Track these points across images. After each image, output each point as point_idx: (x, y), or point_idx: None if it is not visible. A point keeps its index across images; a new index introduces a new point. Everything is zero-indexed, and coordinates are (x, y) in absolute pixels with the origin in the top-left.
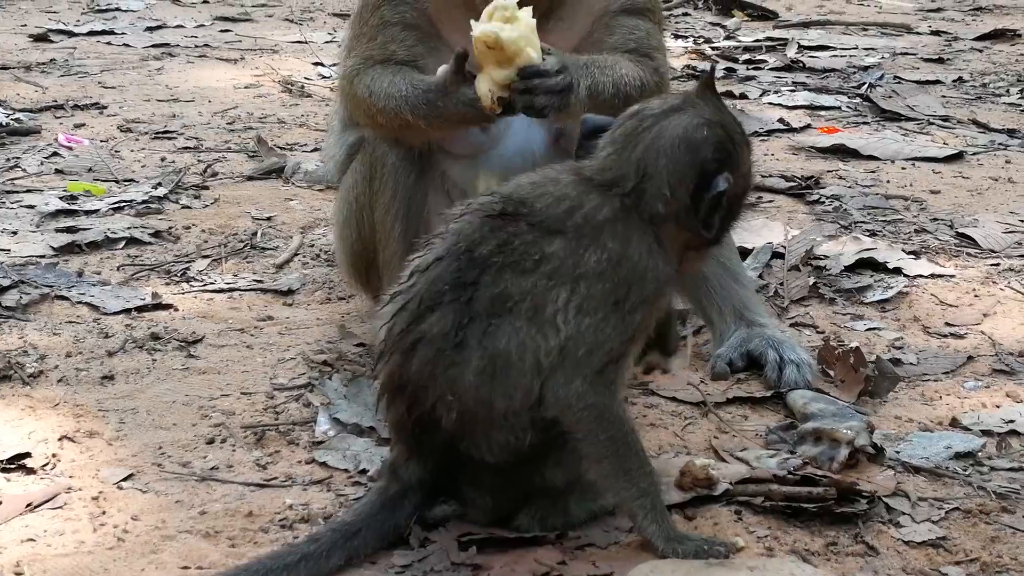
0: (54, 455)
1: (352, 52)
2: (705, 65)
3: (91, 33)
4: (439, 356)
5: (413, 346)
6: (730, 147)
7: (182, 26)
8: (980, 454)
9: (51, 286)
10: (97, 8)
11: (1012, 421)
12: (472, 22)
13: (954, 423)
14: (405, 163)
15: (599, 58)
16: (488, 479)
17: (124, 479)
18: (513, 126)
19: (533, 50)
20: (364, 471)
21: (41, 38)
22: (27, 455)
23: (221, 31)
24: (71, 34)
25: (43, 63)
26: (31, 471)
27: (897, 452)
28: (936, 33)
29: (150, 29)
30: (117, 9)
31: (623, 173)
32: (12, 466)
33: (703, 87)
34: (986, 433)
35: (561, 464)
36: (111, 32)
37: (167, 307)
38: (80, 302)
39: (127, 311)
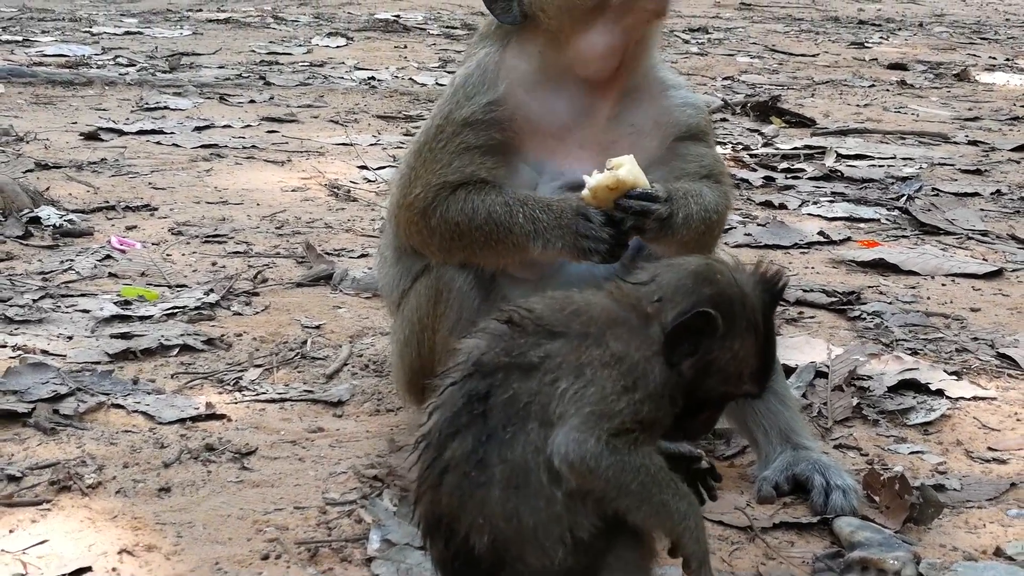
0: (114, 569)
1: (418, 179)
2: (745, 173)
3: (140, 132)
4: (464, 480)
5: (441, 477)
6: (735, 309)
7: (230, 126)
8: None
9: (107, 394)
10: (146, 106)
11: None
12: (585, 176)
13: (998, 553)
14: (471, 288)
15: (691, 188)
16: None
17: None
18: None
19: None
20: None
21: (92, 136)
22: (88, 569)
23: (268, 132)
24: (121, 132)
25: (94, 162)
26: None
27: None
28: (973, 143)
29: (198, 129)
30: (166, 108)
31: (649, 290)
32: None
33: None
34: None
35: None
36: (160, 131)
37: (220, 417)
38: (136, 411)
39: (182, 421)
